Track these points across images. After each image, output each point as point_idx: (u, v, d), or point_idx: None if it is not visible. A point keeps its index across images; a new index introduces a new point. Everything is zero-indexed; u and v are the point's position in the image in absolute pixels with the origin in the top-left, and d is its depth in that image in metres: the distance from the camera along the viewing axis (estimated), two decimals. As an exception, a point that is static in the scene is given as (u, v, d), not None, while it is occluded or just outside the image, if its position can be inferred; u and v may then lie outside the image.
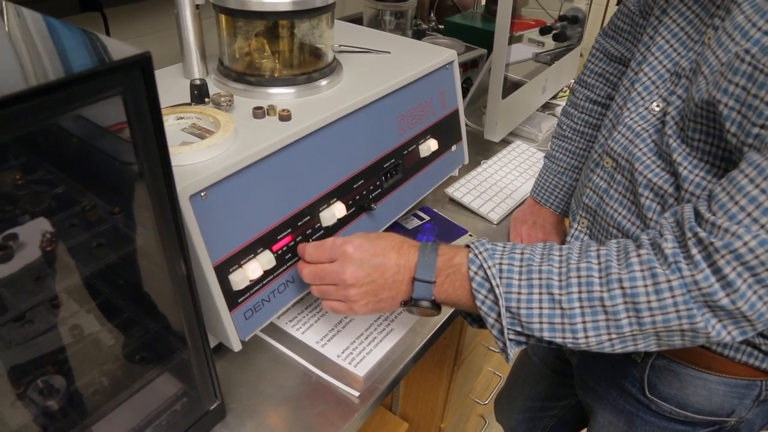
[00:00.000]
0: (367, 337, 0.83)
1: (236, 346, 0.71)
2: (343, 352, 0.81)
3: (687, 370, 0.75)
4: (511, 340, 0.64)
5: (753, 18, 0.57)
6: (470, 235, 1.06)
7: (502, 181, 1.19)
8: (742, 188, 0.54)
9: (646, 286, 0.57)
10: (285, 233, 0.74)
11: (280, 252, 0.74)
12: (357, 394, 0.76)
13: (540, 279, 0.62)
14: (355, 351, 0.81)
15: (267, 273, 0.72)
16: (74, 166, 0.53)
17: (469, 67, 1.44)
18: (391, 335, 0.84)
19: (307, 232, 0.77)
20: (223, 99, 0.76)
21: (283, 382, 0.77)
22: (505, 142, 1.33)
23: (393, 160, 0.90)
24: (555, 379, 1.10)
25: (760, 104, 0.54)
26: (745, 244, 0.53)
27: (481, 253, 0.65)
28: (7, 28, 0.53)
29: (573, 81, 0.98)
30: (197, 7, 0.83)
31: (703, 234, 0.55)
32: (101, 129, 0.48)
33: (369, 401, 0.75)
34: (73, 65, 0.44)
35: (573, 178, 0.99)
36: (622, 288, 0.58)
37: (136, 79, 0.45)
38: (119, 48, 0.45)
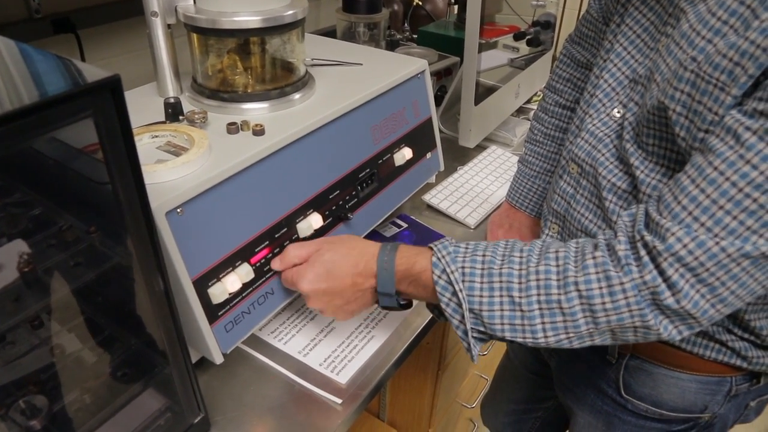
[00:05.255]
0: (348, 345, 0.84)
1: (218, 359, 0.72)
2: (325, 361, 0.82)
3: (659, 370, 0.77)
4: (474, 337, 0.66)
5: (697, 27, 0.59)
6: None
7: (478, 186, 1.21)
8: (684, 188, 0.56)
9: (600, 288, 0.59)
10: (263, 245, 0.75)
11: (258, 264, 0.75)
12: (340, 401, 0.77)
13: (501, 282, 0.63)
14: (337, 359, 0.82)
15: (246, 285, 0.73)
16: (49, 187, 0.54)
17: (443, 75, 1.46)
18: (372, 341, 0.85)
19: (285, 244, 0.78)
20: (197, 116, 0.77)
21: (267, 392, 0.78)
22: (480, 148, 1.35)
23: (368, 170, 0.91)
24: (536, 382, 1.11)
25: (704, 110, 0.57)
26: (685, 246, 0.55)
27: (444, 257, 0.66)
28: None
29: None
30: (169, 26, 0.84)
31: (648, 237, 0.57)
32: (74, 150, 0.49)
33: (352, 407, 0.76)
34: (44, 90, 0.45)
35: (546, 181, 1.01)
36: (578, 290, 0.60)
37: (107, 101, 0.46)
38: (89, 71, 0.46)
